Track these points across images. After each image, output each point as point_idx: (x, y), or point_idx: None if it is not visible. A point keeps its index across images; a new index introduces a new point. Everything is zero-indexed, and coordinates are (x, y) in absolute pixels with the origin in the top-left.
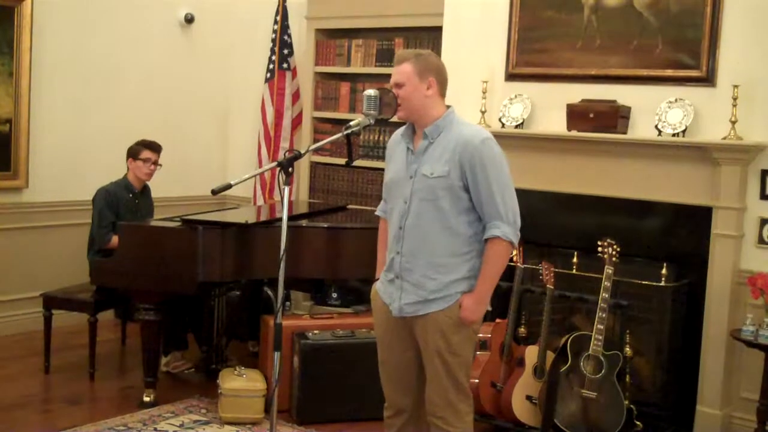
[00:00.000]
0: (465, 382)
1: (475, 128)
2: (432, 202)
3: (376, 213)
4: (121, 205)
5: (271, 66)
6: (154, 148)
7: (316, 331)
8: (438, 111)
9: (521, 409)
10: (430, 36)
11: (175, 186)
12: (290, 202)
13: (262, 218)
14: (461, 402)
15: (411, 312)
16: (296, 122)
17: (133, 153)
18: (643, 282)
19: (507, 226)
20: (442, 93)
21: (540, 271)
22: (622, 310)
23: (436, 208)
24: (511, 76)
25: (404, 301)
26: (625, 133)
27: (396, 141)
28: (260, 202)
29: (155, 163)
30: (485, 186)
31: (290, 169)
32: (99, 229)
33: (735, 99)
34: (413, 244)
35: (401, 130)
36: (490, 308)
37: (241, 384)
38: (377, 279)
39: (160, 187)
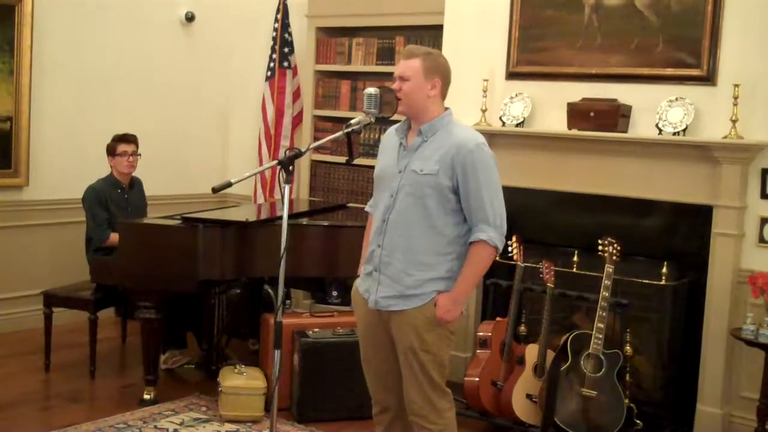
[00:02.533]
0: (441, 380)
1: (470, 132)
2: (418, 198)
3: (366, 209)
4: (111, 202)
5: (271, 64)
6: (129, 139)
7: (316, 330)
8: (437, 111)
9: (521, 407)
10: (430, 34)
11: (176, 184)
12: (290, 201)
13: (263, 216)
14: (440, 399)
15: (386, 306)
16: (297, 120)
17: (109, 150)
18: (644, 281)
19: (493, 231)
20: (444, 94)
21: (540, 269)
22: (622, 308)
23: (421, 206)
24: (511, 75)
25: (380, 294)
26: (625, 131)
27: (390, 135)
28: (261, 200)
29: (134, 154)
30: (475, 190)
31: (291, 168)
32: (96, 228)
33: (736, 98)
34: (395, 239)
35: (397, 125)
36: (464, 312)
37: (242, 382)
38: (359, 275)
39: (160, 184)
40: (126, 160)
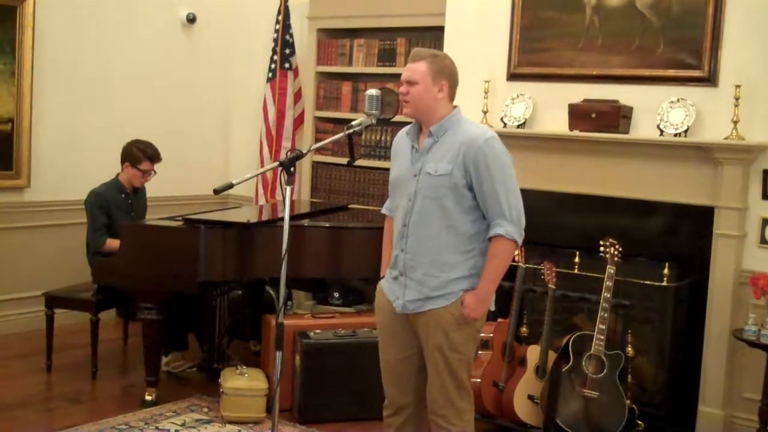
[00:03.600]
0: (466, 380)
1: (479, 128)
2: (435, 200)
3: (382, 211)
4: (114, 207)
5: (272, 66)
6: (154, 159)
7: (317, 331)
8: (445, 111)
9: (523, 408)
10: (432, 36)
11: (177, 185)
12: (292, 202)
13: (264, 218)
14: (462, 400)
15: (413, 309)
16: (298, 122)
17: (132, 160)
18: (645, 282)
19: (511, 225)
20: (452, 96)
21: (542, 270)
22: (623, 309)
23: (439, 207)
24: (513, 76)
25: (407, 298)
26: (627, 133)
27: (401, 138)
28: (262, 201)
29: (152, 173)
30: (489, 185)
31: (292, 169)
32: (93, 233)
33: (737, 99)
34: (417, 242)
35: (407, 128)
36: (493, 308)
37: (243, 383)
38: (383, 277)
39: (162, 186)
40: (144, 178)
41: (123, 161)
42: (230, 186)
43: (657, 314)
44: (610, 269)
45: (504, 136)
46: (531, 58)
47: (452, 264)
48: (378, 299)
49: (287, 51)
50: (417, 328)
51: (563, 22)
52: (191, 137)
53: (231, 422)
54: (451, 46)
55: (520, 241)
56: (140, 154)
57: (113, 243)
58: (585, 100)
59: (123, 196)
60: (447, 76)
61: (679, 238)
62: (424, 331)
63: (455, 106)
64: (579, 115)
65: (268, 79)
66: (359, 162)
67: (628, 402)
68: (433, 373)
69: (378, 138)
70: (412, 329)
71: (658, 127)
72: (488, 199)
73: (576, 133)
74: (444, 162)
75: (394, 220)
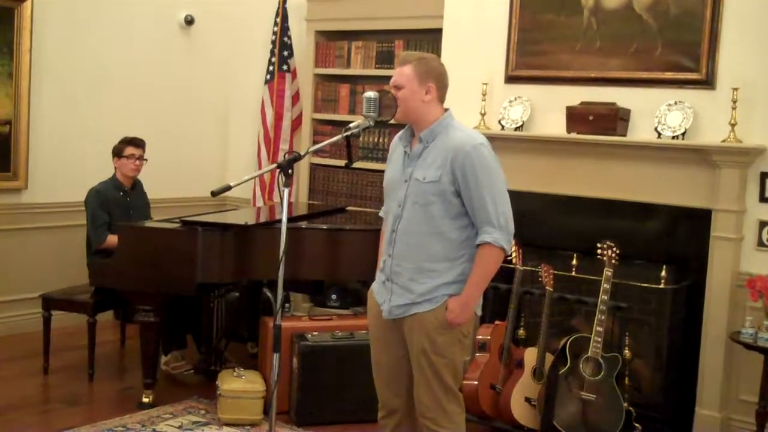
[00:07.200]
0: (452, 383)
1: (468, 133)
2: (424, 207)
3: (380, 214)
4: (112, 204)
5: (270, 68)
6: (137, 143)
7: (315, 333)
8: (435, 115)
9: (520, 411)
10: (430, 38)
11: (175, 187)
12: (290, 204)
13: (262, 220)
14: (450, 402)
15: (399, 314)
16: (296, 124)
17: (116, 151)
18: (643, 284)
19: (498, 232)
20: (441, 98)
21: (539, 273)
22: (621, 312)
23: (427, 213)
24: (510, 79)
25: (393, 303)
26: (624, 135)
27: (397, 142)
28: (260, 203)
29: (140, 158)
30: (476, 192)
31: (290, 171)
32: (94, 230)
33: (734, 102)
34: (404, 248)
35: (401, 132)
36: (480, 313)
37: (240, 385)
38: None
39: (160, 188)
40: (132, 163)
41: (112, 158)
42: (228, 188)
43: (654, 317)
44: (608, 272)
45: (502, 139)
46: (529, 60)
47: (439, 271)
48: (369, 301)
49: (285, 53)
50: (403, 331)
51: (561, 24)
52: (189, 139)
53: (228, 424)
54: (448, 48)
55: (508, 248)
56: (122, 143)
57: (114, 239)
58: (582, 103)
59: (121, 194)
60: (434, 78)
61: (677, 240)
62: (409, 334)
63: (446, 109)
64: (576, 117)
65: (266, 81)
66: (357, 164)
67: (626, 404)
68: (419, 377)
69: (376, 140)
70: (400, 332)
71: (655, 129)
72: (476, 206)
73: (574, 135)
74: (432, 169)
75: (385, 225)
